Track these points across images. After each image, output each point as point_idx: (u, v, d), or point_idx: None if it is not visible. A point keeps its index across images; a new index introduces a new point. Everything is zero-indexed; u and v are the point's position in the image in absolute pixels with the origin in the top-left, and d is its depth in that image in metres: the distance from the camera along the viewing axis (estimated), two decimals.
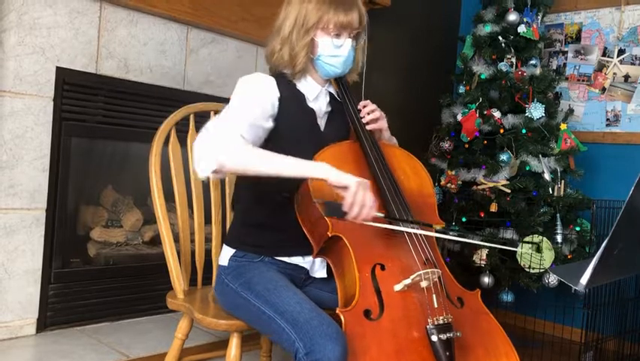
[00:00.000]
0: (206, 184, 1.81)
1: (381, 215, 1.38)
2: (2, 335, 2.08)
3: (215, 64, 2.63)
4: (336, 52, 1.52)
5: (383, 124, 1.64)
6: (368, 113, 1.61)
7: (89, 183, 2.49)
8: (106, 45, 2.27)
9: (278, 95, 1.51)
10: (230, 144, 1.35)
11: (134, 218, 2.58)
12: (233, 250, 1.55)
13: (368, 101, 1.64)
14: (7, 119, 2.04)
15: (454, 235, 1.54)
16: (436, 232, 1.48)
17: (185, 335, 1.67)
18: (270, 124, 1.48)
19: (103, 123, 2.31)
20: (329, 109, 1.62)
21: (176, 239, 1.72)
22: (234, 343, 1.51)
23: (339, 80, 1.64)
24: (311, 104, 1.57)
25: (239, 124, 1.40)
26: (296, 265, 1.56)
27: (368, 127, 1.60)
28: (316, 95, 1.58)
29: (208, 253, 1.78)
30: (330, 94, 1.64)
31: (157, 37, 2.42)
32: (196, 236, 1.77)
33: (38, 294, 2.16)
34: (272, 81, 1.52)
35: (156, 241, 2.60)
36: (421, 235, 1.46)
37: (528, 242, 2.59)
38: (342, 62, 1.54)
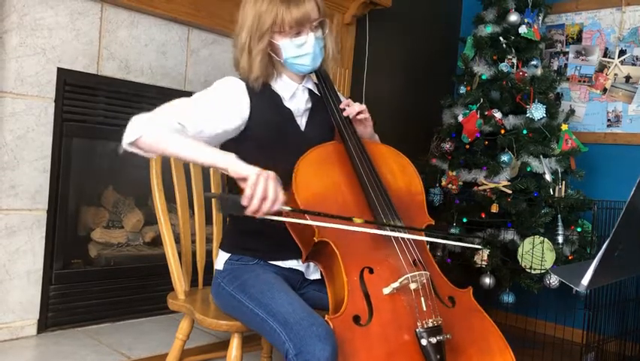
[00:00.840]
0: (207, 185, 1.81)
1: (288, 208, 1.27)
2: (3, 335, 2.08)
3: (216, 64, 2.63)
4: (299, 51, 1.49)
5: (367, 118, 1.60)
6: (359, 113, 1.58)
7: (90, 183, 2.49)
8: (107, 46, 2.28)
9: (248, 100, 1.48)
10: (158, 121, 1.33)
11: (135, 219, 2.58)
12: (229, 254, 1.55)
13: (349, 100, 1.60)
14: (8, 120, 2.04)
15: (403, 231, 1.45)
16: (381, 226, 1.40)
17: (186, 335, 1.67)
18: (231, 125, 1.46)
19: (104, 124, 2.31)
20: (309, 106, 1.59)
21: (177, 240, 1.73)
22: (235, 344, 1.51)
23: (318, 74, 1.60)
24: (287, 104, 1.54)
25: (183, 113, 1.38)
26: (291, 268, 1.55)
27: (359, 116, 1.57)
28: (292, 94, 1.55)
29: (209, 254, 1.78)
30: (310, 90, 1.60)
31: (158, 38, 2.43)
32: (197, 237, 1.77)
33: (39, 295, 2.16)
34: (242, 86, 1.50)
35: (157, 241, 2.60)
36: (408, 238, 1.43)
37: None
38: (309, 60, 1.50)
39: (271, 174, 1.25)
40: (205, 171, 1.81)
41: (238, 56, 1.52)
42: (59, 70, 2.15)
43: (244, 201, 1.21)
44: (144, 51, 2.39)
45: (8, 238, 2.07)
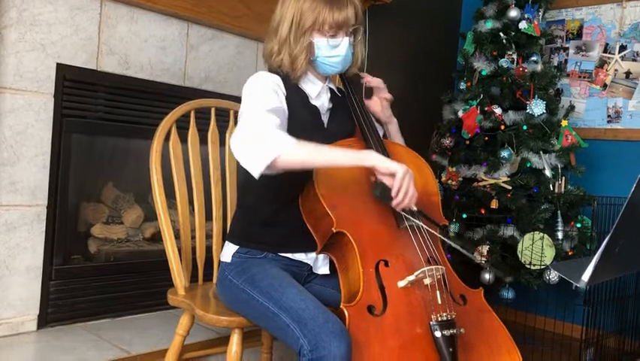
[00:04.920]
0: (207, 181, 1.81)
1: (416, 209, 1.42)
2: (3, 331, 2.08)
3: (215, 60, 2.63)
4: (333, 52, 1.52)
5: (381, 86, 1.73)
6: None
7: (90, 179, 2.48)
8: (106, 41, 2.27)
9: (284, 92, 1.51)
10: (278, 137, 1.33)
11: (135, 215, 2.58)
12: (237, 247, 1.55)
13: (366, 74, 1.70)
14: (7, 116, 2.04)
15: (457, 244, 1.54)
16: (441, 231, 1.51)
17: (186, 331, 1.67)
18: (286, 107, 1.49)
19: (103, 120, 2.31)
20: (330, 105, 1.63)
21: (177, 236, 1.73)
22: (235, 339, 1.51)
23: (342, 77, 1.65)
24: (313, 102, 1.58)
25: (269, 116, 1.38)
26: (299, 262, 1.56)
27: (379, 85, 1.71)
28: (318, 93, 1.59)
29: (209, 250, 1.78)
30: (331, 90, 1.64)
31: (157, 33, 2.42)
32: (197, 233, 1.78)
33: (39, 290, 2.16)
34: (279, 80, 1.52)
35: (157, 237, 2.60)
36: (425, 231, 1.47)
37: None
38: (340, 61, 1.54)
39: (412, 172, 1.35)
40: (205, 167, 1.81)
41: (274, 49, 1.53)
42: (59, 65, 2.15)
43: (393, 193, 1.34)
44: (144, 47, 2.38)
45: (8, 233, 2.07)
